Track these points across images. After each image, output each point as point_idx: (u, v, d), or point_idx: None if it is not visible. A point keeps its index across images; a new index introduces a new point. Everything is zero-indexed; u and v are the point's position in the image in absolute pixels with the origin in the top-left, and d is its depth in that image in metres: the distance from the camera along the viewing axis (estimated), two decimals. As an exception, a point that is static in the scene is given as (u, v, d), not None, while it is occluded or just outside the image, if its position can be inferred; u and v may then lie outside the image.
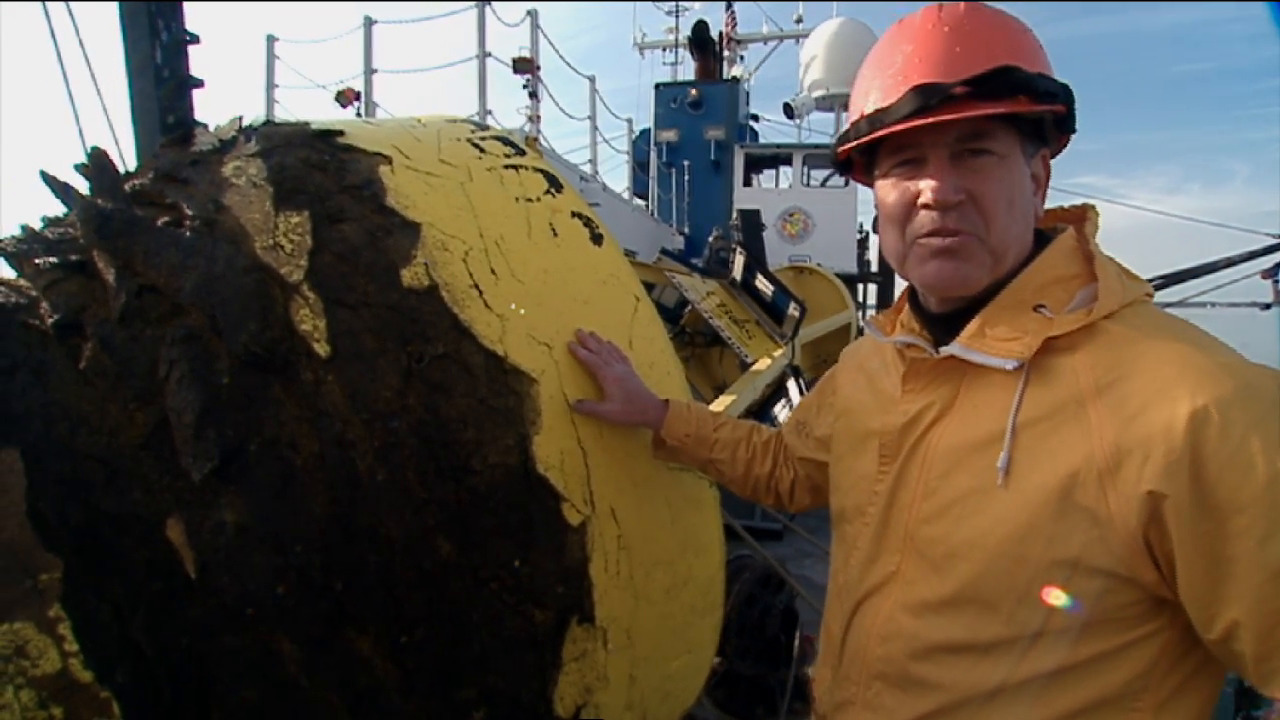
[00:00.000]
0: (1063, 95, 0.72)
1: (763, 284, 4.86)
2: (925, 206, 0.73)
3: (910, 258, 0.76)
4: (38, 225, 0.95)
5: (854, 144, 0.78)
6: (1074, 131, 0.77)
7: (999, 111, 0.69)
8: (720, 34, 14.22)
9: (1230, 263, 6.24)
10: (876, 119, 0.74)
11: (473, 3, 5.55)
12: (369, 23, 5.84)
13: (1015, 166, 0.72)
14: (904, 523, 0.76)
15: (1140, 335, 0.66)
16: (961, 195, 0.71)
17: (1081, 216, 0.79)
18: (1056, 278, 0.73)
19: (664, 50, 15.66)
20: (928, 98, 0.70)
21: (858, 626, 0.80)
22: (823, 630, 0.90)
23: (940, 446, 0.74)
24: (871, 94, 0.76)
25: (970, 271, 0.73)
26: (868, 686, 0.78)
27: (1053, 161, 0.79)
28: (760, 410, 3.82)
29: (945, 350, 0.74)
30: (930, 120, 0.69)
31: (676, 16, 15.13)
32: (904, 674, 0.74)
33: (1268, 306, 6.77)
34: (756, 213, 8.38)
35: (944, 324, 0.77)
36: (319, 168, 0.95)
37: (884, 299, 11.16)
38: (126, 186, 0.97)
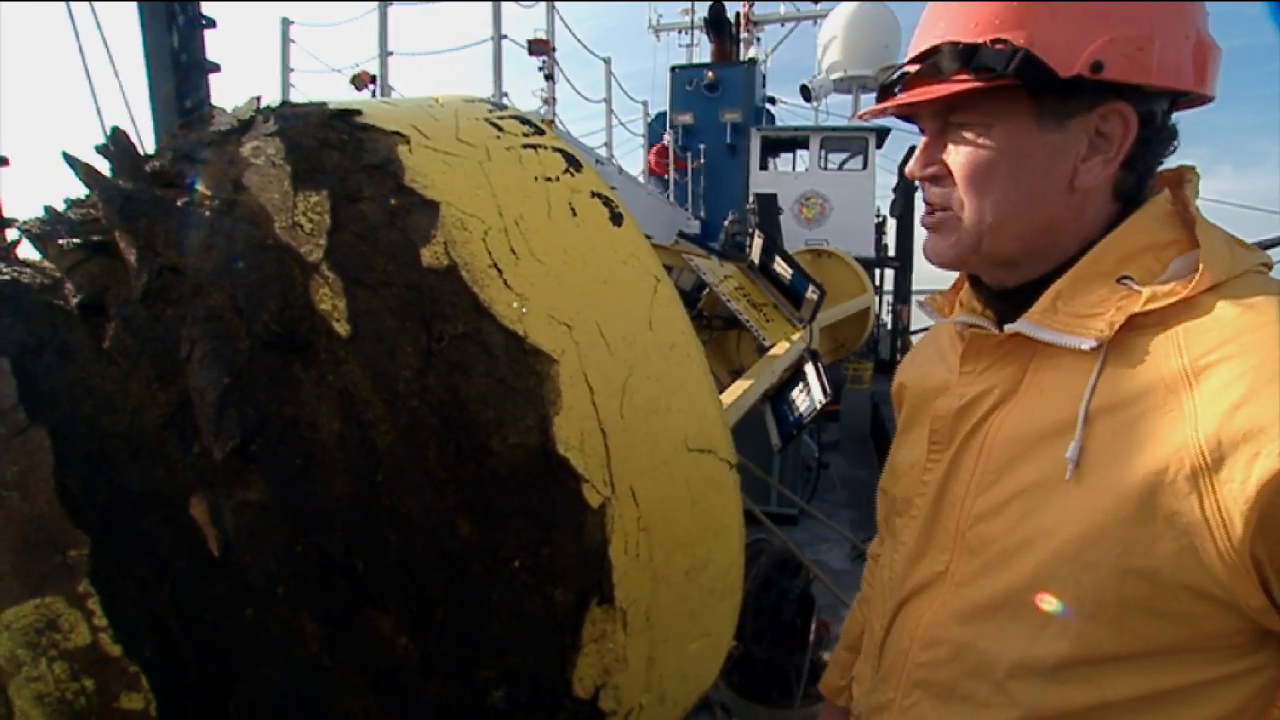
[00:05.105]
0: (1022, 65, 0.58)
1: (781, 267, 4.80)
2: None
3: None
4: (60, 206, 0.96)
5: (871, 112, 0.72)
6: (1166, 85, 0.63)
7: (929, 97, 0.62)
8: (737, 15, 14.01)
9: (1265, 246, 6.12)
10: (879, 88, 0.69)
11: (488, -16, 5.50)
12: (384, 5, 5.81)
13: (1006, 136, 0.63)
14: (955, 519, 0.68)
15: (1251, 310, 0.56)
16: (933, 169, 0.67)
17: (1178, 180, 0.69)
18: (1146, 245, 0.64)
19: (680, 32, 15.54)
20: (887, 78, 0.65)
21: (900, 628, 0.73)
22: (866, 625, 0.84)
23: (1000, 435, 0.66)
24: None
25: (947, 249, 0.67)
26: (906, 694, 0.71)
27: None
28: (777, 395, 3.80)
29: (1010, 327, 0.66)
30: (885, 106, 0.65)
31: (693, -2, 14.96)
32: (948, 687, 0.67)
33: None
34: (773, 197, 8.29)
35: (1008, 300, 0.70)
36: (337, 147, 0.94)
37: (901, 284, 11.03)
38: (146, 168, 0.97)
